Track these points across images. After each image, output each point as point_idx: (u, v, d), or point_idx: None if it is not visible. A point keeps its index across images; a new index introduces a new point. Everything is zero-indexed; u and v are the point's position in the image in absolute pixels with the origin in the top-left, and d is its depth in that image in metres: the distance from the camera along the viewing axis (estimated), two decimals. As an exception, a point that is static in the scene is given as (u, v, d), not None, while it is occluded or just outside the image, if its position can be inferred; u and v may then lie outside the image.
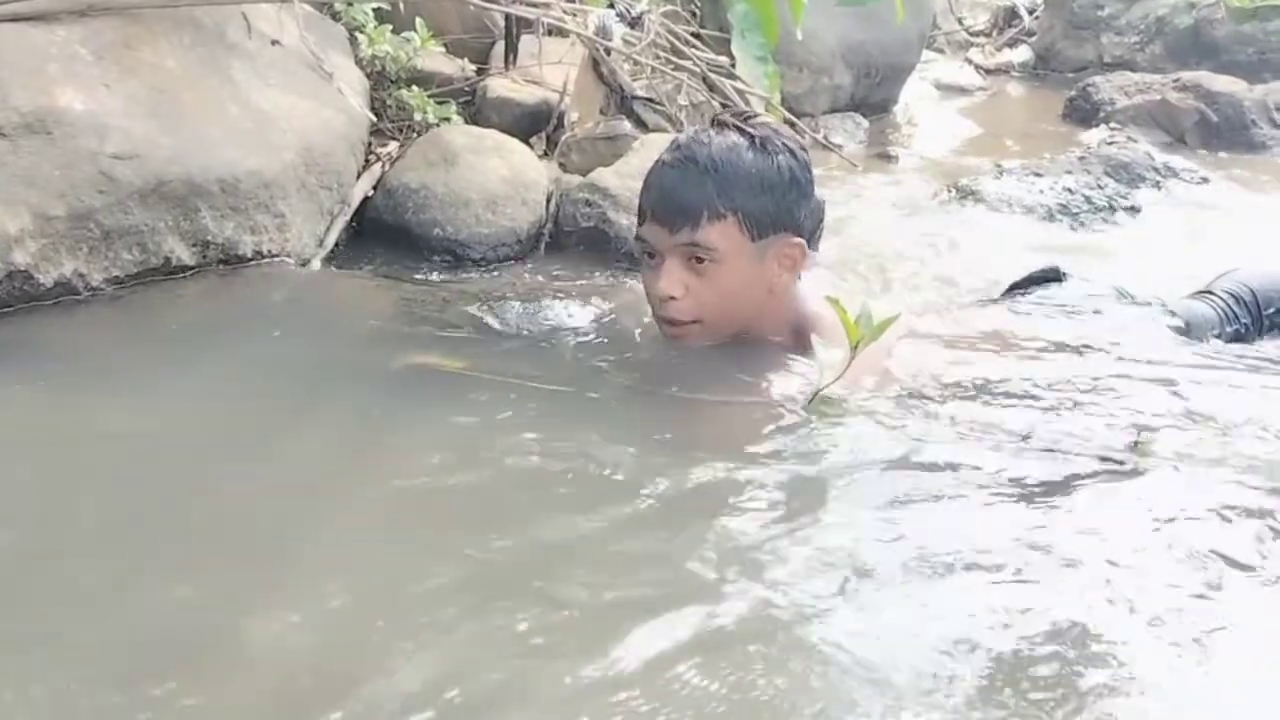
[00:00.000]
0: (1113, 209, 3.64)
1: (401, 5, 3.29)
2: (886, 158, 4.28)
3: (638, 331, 2.09)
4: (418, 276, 2.54)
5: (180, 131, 2.24)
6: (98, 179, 2.10)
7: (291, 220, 2.42)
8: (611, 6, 3.35)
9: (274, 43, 2.69)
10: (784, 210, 1.95)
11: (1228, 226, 3.54)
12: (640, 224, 2.00)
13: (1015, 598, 1.32)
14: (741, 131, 1.96)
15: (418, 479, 1.60)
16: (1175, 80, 4.91)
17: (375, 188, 2.83)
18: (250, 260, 2.34)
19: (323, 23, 3.02)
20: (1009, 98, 5.88)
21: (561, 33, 3.44)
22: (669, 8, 3.66)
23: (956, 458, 1.69)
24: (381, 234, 2.77)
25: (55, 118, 2.09)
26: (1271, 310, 2.35)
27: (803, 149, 2.04)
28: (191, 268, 2.27)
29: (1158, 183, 3.95)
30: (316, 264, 2.53)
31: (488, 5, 3.01)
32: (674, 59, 3.46)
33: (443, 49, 3.36)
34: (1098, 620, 1.28)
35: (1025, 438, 1.75)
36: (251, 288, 2.24)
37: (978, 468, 1.66)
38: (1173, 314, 2.27)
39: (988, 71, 6.12)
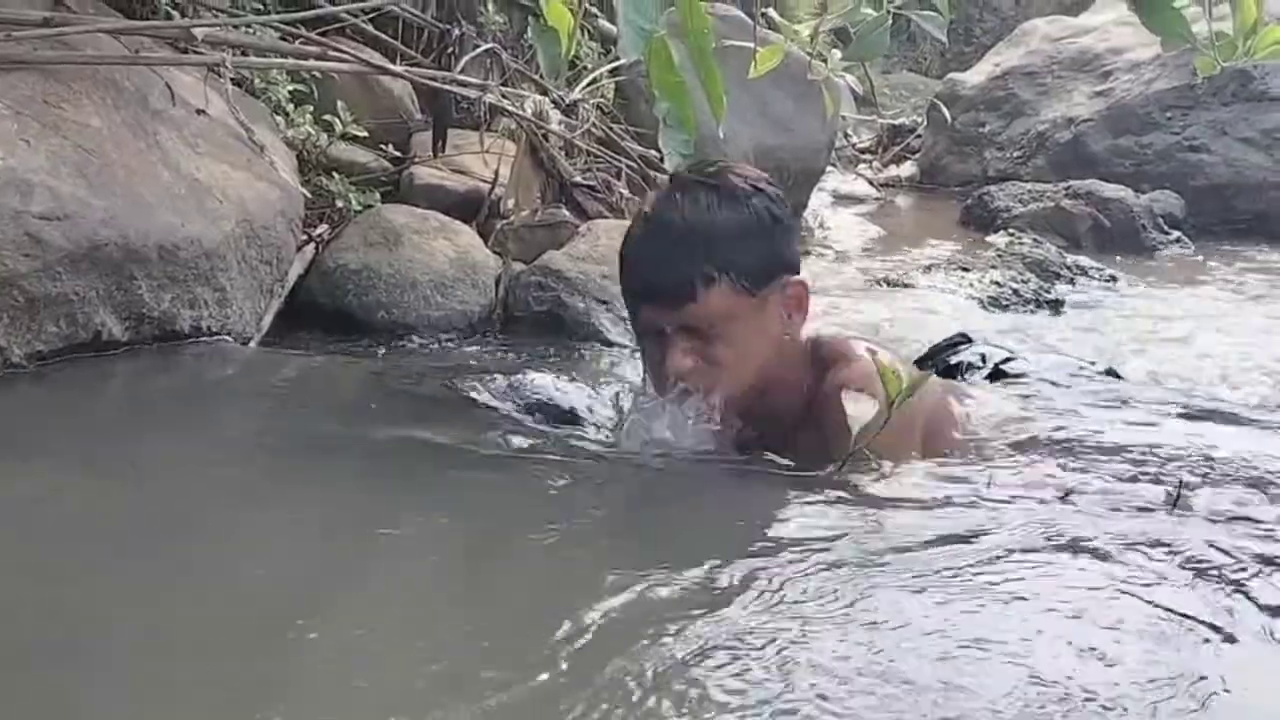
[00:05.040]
0: (1039, 302, 3.66)
1: (315, 91, 3.14)
2: (807, 253, 4.25)
3: (636, 399, 1.92)
4: (379, 356, 2.31)
5: (112, 193, 2.01)
6: (23, 241, 1.85)
7: (232, 295, 2.19)
8: (545, 94, 3.24)
9: (200, 112, 2.48)
10: (774, 253, 1.82)
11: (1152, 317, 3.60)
12: (632, 307, 1.85)
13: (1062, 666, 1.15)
14: (704, 185, 1.81)
15: (427, 560, 1.38)
16: (1068, 188, 5.04)
17: (308, 270, 2.61)
18: (187, 337, 2.10)
19: (245, 99, 2.82)
20: (903, 207, 5.98)
21: (488, 125, 3.32)
22: (597, 99, 3.59)
23: (999, 522, 1.55)
24: (317, 318, 2.55)
25: (-29, 173, 1.84)
26: None
27: (769, 182, 1.91)
28: (122, 344, 2.01)
29: (1071, 279, 4.01)
30: (254, 346, 2.29)
31: (430, 83, 2.86)
32: (605, 149, 3.37)
33: (366, 133, 3.19)
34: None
35: (1066, 495, 1.63)
36: (196, 364, 1.99)
37: (1023, 531, 1.52)
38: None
39: (880, 185, 6.23)
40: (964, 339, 2.40)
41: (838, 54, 2.91)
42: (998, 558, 1.42)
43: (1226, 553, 1.46)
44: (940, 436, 1.83)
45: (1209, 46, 2.09)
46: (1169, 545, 1.48)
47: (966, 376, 2.24)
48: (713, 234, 1.76)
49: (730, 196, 1.79)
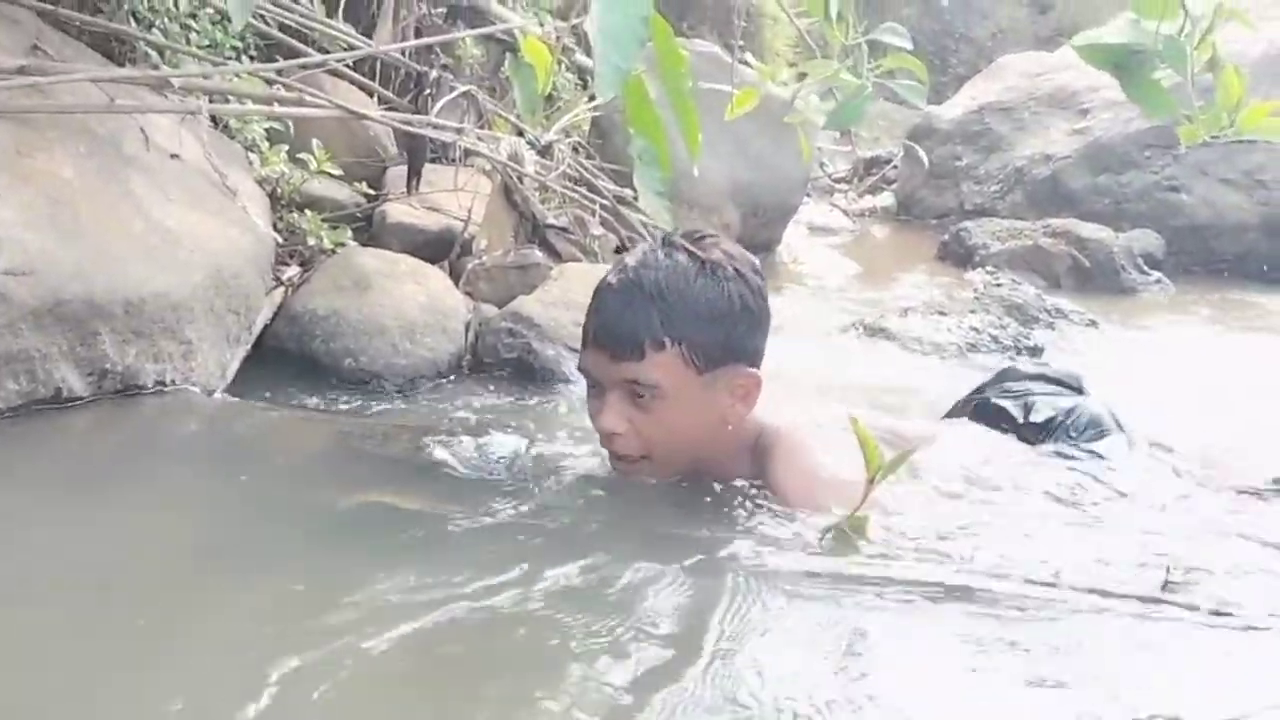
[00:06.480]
0: (1018, 349, 3.65)
1: (291, 126, 3.12)
2: (779, 289, 4.25)
3: (603, 464, 1.91)
4: (344, 404, 2.29)
5: (81, 246, 1.98)
6: (-13, 297, 1.83)
7: (198, 347, 2.17)
8: (521, 135, 3.24)
9: (173, 156, 2.46)
10: (735, 340, 1.81)
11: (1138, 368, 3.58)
12: (583, 348, 1.85)
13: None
14: (691, 254, 1.82)
15: (392, 631, 1.36)
16: (1046, 226, 5.05)
17: (276, 314, 2.59)
18: (149, 391, 2.08)
19: (219, 140, 2.81)
20: (878, 240, 5.98)
21: (463, 161, 3.31)
22: (572, 139, 3.58)
23: (981, 604, 1.53)
24: (284, 363, 2.51)
25: (-62, 228, 1.82)
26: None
27: (757, 272, 1.90)
28: (82, 399, 1.99)
29: (1050, 324, 3.99)
30: (218, 396, 2.27)
31: (406, 127, 2.85)
32: (581, 190, 3.37)
33: (340, 171, 3.17)
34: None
35: (1055, 575, 1.61)
36: (156, 420, 1.96)
37: (1005, 613, 1.51)
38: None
39: (856, 215, 6.24)
40: (1077, 388, 2.18)
41: (815, 99, 2.91)
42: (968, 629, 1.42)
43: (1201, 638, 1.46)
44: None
45: (1193, 118, 2.08)
46: (1141, 636, 1.49)
47: (1056, 436, 2.10)
48: (680, 302, 1.77)
49: (710, 273, 1.80)
